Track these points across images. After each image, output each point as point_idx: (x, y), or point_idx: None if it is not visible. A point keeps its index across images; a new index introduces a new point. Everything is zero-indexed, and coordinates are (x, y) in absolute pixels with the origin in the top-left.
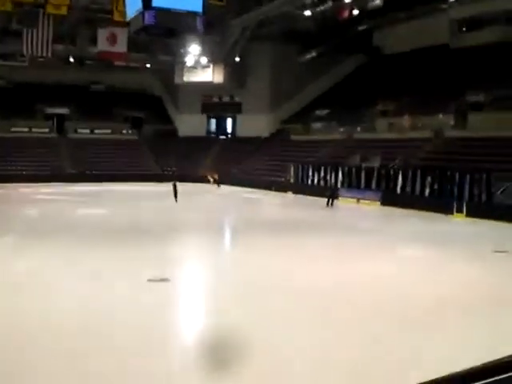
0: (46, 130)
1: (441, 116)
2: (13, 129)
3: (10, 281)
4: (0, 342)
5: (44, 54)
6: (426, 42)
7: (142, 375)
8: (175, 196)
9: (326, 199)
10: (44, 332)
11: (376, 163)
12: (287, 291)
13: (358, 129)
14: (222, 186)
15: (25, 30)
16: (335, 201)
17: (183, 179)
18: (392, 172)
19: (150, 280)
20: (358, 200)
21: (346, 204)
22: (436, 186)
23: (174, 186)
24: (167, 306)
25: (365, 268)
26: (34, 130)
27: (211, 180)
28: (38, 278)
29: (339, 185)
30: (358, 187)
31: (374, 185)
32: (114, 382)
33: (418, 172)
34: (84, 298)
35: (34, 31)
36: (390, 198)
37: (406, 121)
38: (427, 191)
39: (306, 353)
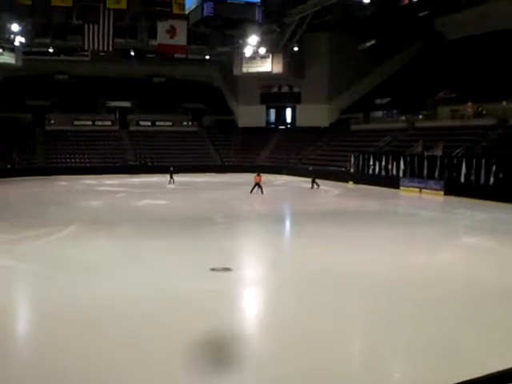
0: (109, 122)
1: (504, 103)
2: (76, 122)
3: (77, 269)
4: (69, 328)
5: (105, 49)
6: (490, 27)
7: (205, 361)
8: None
9: (311, 182)
10: (109, 318)
11: (438, 152)
12: (351, 282)
13: (420, 117)
14: (280, 176)
15: (86, 25)
16: (316, 182)
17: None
18: (455, 161)
19: (212, 269)
20: (421, 190)
21: (409, 194)
22: (501, 175)
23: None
24: (229, 294)
25: (428, 258)
26: (96, 123)
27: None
28: (103, 266)
29: (401, 174)
30: (421, 176)
31: (436, 174)
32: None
33: (483, 161)
34: (147, 286)
35: (95, 26)
36: (453, 188)
37: (469, 108)
38: (492, 180)
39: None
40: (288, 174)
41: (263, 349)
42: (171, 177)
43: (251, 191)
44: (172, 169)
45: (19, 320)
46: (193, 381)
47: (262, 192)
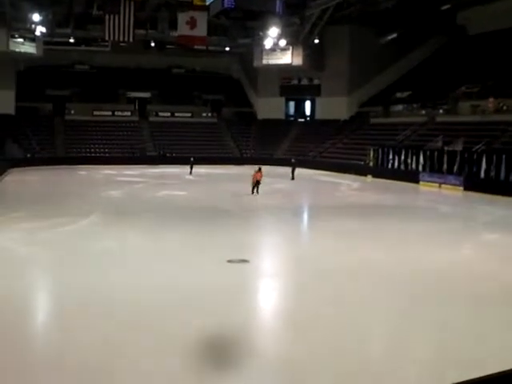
0: (129, 113)
1: None
2: (95, 112)
3: (95, 258)
4: (84, 315)
5: (126, 39)
6: None
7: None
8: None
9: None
10: (124, 307)
11: (459, 147)
12: (369, 276)
13: (440, 111)
14: (299, 169)
15: (106, 16)
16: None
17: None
18: (475, 156)
19: (229, 261)
20: (440, 185)
21: (428, 188)
22: None
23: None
24: (245, 286)
25: (450, 255)
26: (116, 113)
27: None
28: (121, 256)
29: (420, 169)
30: (440, 171)
31: (456, 169)
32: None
33: (503, 156)
34: (164, 276)
35: (116, 16)
36: (473, 183)
37: (490, 103)
38: None
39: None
40: (309, 167)
41: (277, 341)
42: (191, 168)
43: (252, 192)
44: (193, 159)
45: (38, 306)
46: (211, 372)
47: (257, 191)
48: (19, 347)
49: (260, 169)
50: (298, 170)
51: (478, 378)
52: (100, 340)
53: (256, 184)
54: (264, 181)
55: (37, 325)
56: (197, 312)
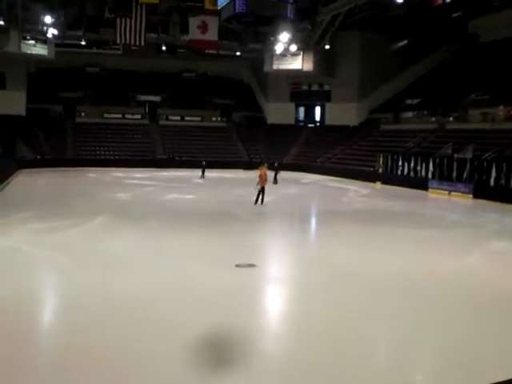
0: (139, 116)
1: None
2: (106, 115)
3: (102, 261)
4: (90, 318)
5: (137, 43)
6: None
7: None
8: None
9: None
10: (130, 310)
11: (468, 154)
12: (377, 283)
13: (450, 119)
14: (307, 175)
15: (118, 19)
16: (278, 176)
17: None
18: (485, 164)
19: (237, 265)
20: (450, 192)
21: (437, 196)
22: None
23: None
24: (253, 290)
25: (457, 263)
26: (126, 116)
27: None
28: (129, 259)
29: (430, 176)
30: (450, 179)
31: (465, 177)
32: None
33: None
34: (171, 281)
35: (127, 20)
36: (482, 191)
37: (500, 111)
38: None
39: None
40: (318, 173)
41: (285, 345)
42: (203, 171)
43: (256, 201)
44: (204, 163)
45: (44, 308)
46: (216, 374)
47: (262, 201)
48: (26, 349)
49: (261, 162)
50: (306, 175)
51: None
52: (105, 340)
53: (262, 191)
54: (273, 186)
55: (44, 325)
56: (202, 314)
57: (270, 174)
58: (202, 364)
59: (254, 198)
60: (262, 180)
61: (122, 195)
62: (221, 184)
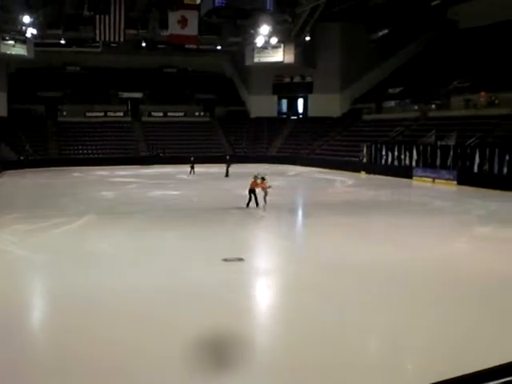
0: (121, 113)
1: None
2: (88, 113)
3: (89, 259)
4: (78, 317)
5: (117, 39)
6: (503, 17)
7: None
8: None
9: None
10: (119, 307)
11: (451, 141)
12: (364, 272)
13: (433, 106)
14: (293, 167)
15: (97, 17)
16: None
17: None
18: (468, 151)
19: (225, 259)
20: (434, 180)
21: (421, 184)
22: None
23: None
24: (241, 284)
25: (444, 249)
26: (109, 114)
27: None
28: (116, 256)
29: (414, 164)
30: (433, 166)
31: (449, 164)
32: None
33: (496, 150)
34: (159, 277)
35: (107, 17)
36: (466, 178)
37: (482, 97)
38: (505, 170)
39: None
40: (303, 164)
41: (274, 339)
42: (192, 167)
43: (257, 204)
44: (193, 159)
45: (31, 308)
46: (205, 372)
47: (264, 204)
48: (17, 349)
49: (264, 179)
50: (291, 167)
51: (475, 372)
52: (97, 339)
53: (252, 195)
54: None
55: (34, 325)
56: (190, 310)
57: (281, 168)
58: (194, 361)
59: (255, 202)
60: (264, 187)
61: (107, 194)
62: (206, 179)
